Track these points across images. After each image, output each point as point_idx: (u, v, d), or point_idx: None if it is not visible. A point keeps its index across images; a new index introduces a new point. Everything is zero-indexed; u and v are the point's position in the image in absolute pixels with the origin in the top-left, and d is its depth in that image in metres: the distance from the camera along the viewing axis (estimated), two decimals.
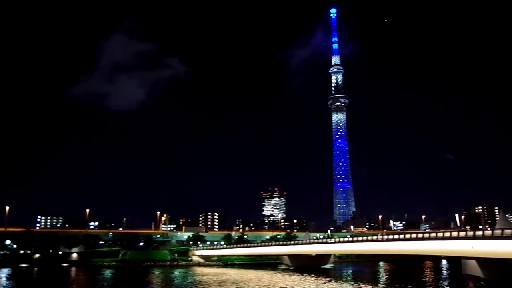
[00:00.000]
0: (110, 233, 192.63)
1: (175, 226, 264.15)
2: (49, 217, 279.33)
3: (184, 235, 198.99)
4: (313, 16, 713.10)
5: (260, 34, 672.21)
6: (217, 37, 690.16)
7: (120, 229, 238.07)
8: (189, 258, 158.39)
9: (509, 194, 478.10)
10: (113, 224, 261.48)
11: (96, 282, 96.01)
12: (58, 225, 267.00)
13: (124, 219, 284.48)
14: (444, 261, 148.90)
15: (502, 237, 69.08)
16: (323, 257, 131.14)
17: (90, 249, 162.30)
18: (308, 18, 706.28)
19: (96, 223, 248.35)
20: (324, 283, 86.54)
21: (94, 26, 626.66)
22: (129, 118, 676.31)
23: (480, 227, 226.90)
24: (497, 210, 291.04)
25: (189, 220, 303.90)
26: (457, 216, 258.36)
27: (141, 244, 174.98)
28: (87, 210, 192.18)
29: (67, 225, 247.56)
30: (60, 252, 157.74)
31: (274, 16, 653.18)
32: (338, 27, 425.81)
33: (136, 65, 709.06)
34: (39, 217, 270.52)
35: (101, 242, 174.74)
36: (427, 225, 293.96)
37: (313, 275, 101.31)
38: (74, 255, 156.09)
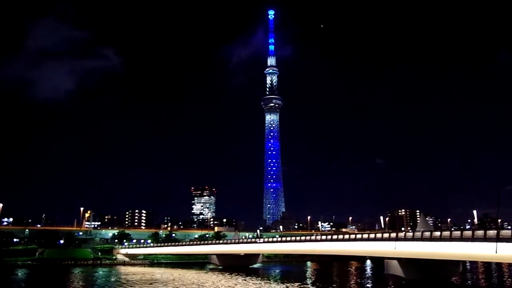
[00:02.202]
0: (27, 230, 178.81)
1: (99, 223, 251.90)
2: None
3: (109, 232, 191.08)
4: (255, 15, 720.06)
5: (201, 30, 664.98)
6: (157, 29, 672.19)
7: (38, 225, 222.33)
8: (114, 257, 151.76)
9: (430, 198, 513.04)
10: (30, 221, 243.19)
11: (7, 284, 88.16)
12: None
13: (43, 215, 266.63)
14: (368, 262, 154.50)
15: (421, 239, 72.61)
16: (252, 257, 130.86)
17: (3, 247, 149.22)
18: (249, 17, 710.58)
19: (11, 219, 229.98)
20: (253, 282, 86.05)
21: (21, 6, 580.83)
22: (55, 107, 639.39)
23: (403, 229, 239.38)
24: (418, 213, 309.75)
25: (115, 217, 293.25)
26: (382, 218, 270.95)
27: (62, 242, 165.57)
28: (0, 205, 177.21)
29: None
30: None
31: (216, 11, 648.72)
32: (277, 28, 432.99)
33: (67, 52, 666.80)
34: None
35: (15, 239, 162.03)
36: (354, 227, 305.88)
37: (241, 274, 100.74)
38: None
